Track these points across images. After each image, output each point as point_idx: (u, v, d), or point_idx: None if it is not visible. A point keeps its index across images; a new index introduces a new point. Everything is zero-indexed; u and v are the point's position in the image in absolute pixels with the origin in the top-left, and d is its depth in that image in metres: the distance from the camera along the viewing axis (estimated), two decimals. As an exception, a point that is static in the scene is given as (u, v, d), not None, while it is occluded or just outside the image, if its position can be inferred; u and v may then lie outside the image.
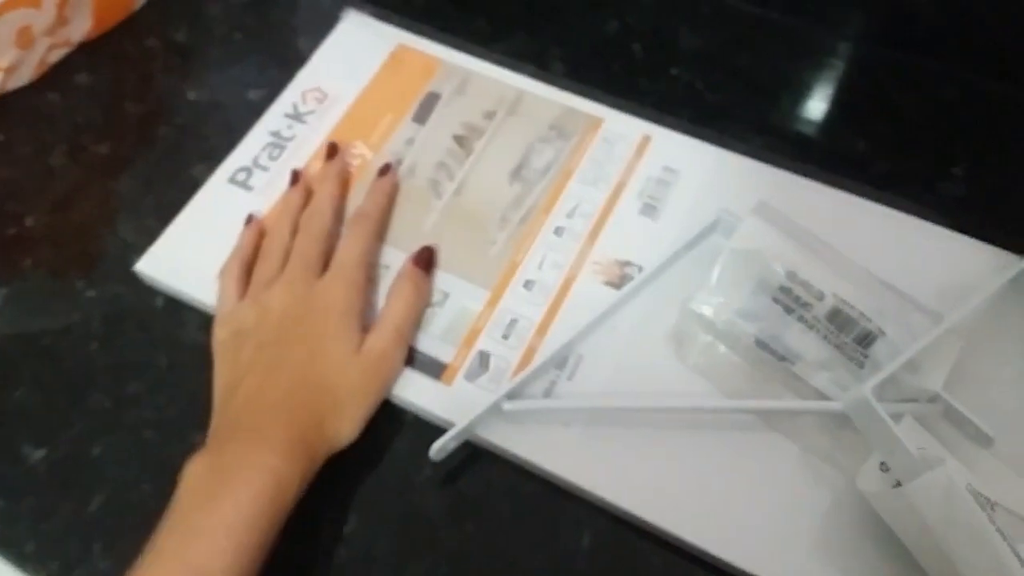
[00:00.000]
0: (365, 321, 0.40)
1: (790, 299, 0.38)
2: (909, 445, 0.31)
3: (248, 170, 0.47)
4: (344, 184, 0.46)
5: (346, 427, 0.37)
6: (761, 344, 0.38)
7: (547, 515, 0.38)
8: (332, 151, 0.46)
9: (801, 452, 0.37)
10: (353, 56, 0.51)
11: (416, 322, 0.41)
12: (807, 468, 0.37)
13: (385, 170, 0.45)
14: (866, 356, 0.36)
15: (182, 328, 0.44)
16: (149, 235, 0.45)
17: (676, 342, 0.40)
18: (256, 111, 0.50)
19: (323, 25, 0.53)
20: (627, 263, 0.43)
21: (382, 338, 0.39)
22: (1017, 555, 0.29)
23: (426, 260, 0.43)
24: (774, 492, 0.37)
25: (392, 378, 0.40)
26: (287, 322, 0.39)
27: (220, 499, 0.33)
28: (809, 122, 0.50)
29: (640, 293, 0.42)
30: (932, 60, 0.50)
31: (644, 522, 0.37)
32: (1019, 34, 0.48)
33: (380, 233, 0.44)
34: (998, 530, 0.29)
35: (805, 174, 0.45)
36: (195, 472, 0.34)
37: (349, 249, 0.42)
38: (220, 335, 0.40)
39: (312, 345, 0.38)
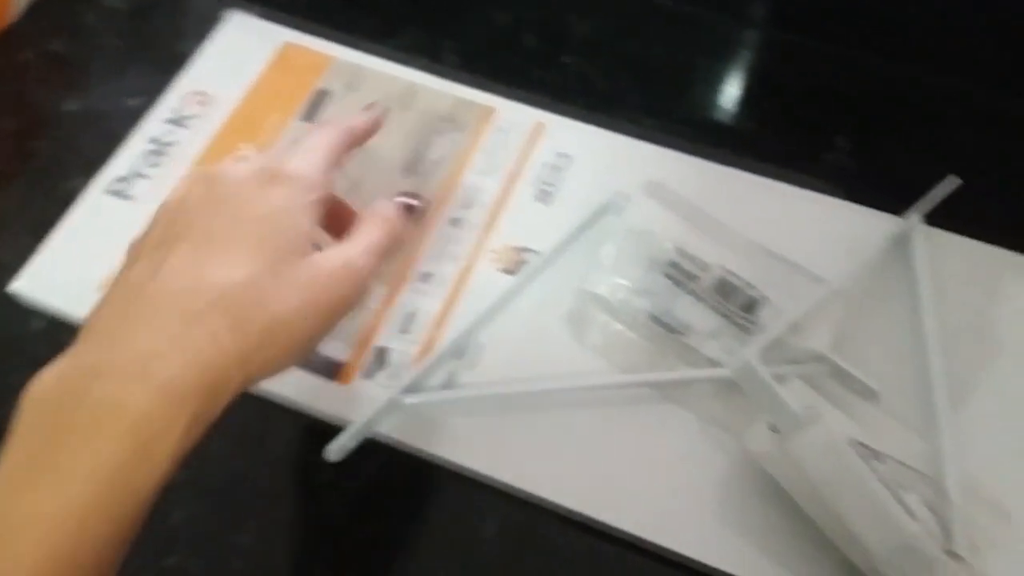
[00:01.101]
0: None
1: (679, 273, 0.38)
2: (793, 404, 0.31)
3: (127, 179, 0.45)
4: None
5: (273, 358, 0.28)
6: (654, 319, 0.38)
7: (452, 506, 0.38)
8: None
9: (698, 420, 0.37)
10: (237, 57, 0.50)
11: (382, 261, 0.33)
12: (705, 436, 0.37)
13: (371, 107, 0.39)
14: (753, 323, 0.37)
15: (60, 349, 0.41)
16: (27, 253, 0.43)
17: (573, 324, 0.40)
18: (137, 119, 0.48)
19: (206, 28, 0.52)
20: (524, 249, 0.43)
21: (347, 249, 0.31)
22: (901, 503, 0.30)
23: (411, 209, 0.36)
24: (674, 462, 0.37)
25: (343, 305, 0.30)
26: (215, 201, 0.30)
27: (49, 466, 0.23)
28: (699, 104, 0.50)
29: (538, 278, 0.42)
30: (813, 39, 0.51)
31: (549, 503, 0.36)
32: (889, 10, 0.49)
33: (349, 147, 0.36)
34: (880, 479, 0.30)
35: (695, 154, 0.46)
36: (32, 405, 0.25)
37: (318, 137, 0.34)
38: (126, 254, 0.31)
39: (244, 220, 0.29)
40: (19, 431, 0.24)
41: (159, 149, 0.46)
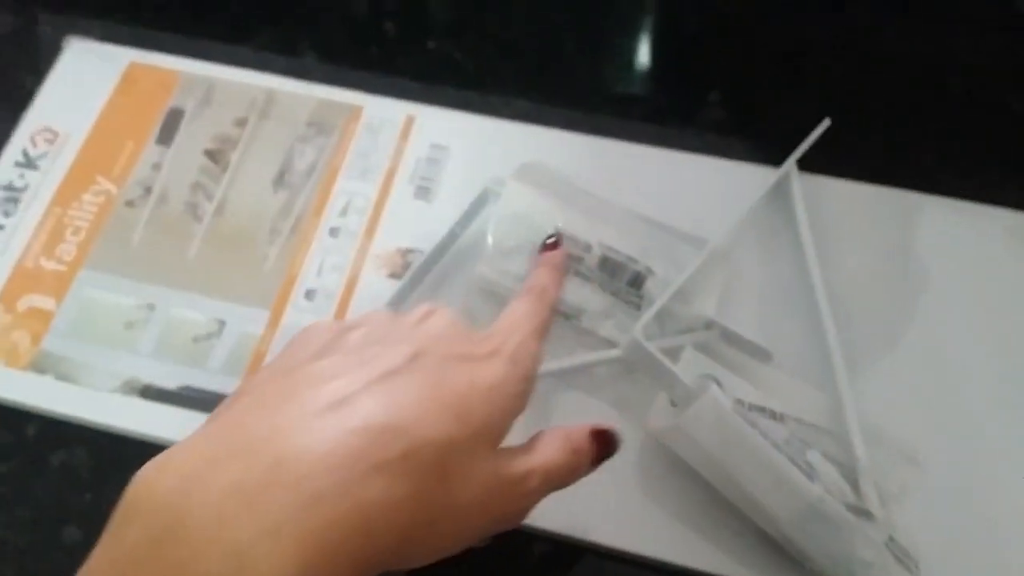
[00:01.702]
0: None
1: (562, 256, 0.37)
2: (684, 376, 0.31)
3: (-19, 232, 0.42)
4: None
5: (419, 549, 0.25)
6: (544, 306, 0.37)
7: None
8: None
9: (606, 405, 0.37)
10: (81, 86, 0.47)
11: (549, 492, 0.28)
12: (613, 418, 0.36)
13: (553, 245, 0.36)
14: (641, 297, 0.36)
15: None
16: None
17: (467, 319, 0.39)
18: (-14, 165, 0.45)
19: (51, 60, 0.48)
20: (409, 250, 0.42)
21: (529, 463, 0.27)
22: (799, 465, 0.30)
23: (604, 444, 0.30)
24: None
25: (504, 525, 0.28)
26: (447, 349, 0.26)
27: None
28: (567, 77, 0.49)
29: (428, 277, 0.41)
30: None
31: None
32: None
33: (552, 318, 0.32)
34: (775, 443, 0.30)
35: (570, 128, 0.45)
36: (140, 513, 0.21)
37: (519, 322, 0.30)
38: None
39: (460, 391, 0.25)
40: (119, 544, 0.21)
41: (11, 196, 0.43)
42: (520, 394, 0.27)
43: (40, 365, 0.39)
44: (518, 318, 0.30)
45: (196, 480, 0.21)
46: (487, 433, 0.25)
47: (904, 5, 0.49)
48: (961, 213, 0.41)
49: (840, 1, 0.49)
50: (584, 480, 0.35)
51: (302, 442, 0.22)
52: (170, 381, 0.38)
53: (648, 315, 0.33)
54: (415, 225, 0.42)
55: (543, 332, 0.30)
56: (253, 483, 0.21)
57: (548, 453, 0.28)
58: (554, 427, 0.29)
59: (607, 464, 0.35)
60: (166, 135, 0.45)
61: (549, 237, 0.36)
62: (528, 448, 0.28)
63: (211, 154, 0.45)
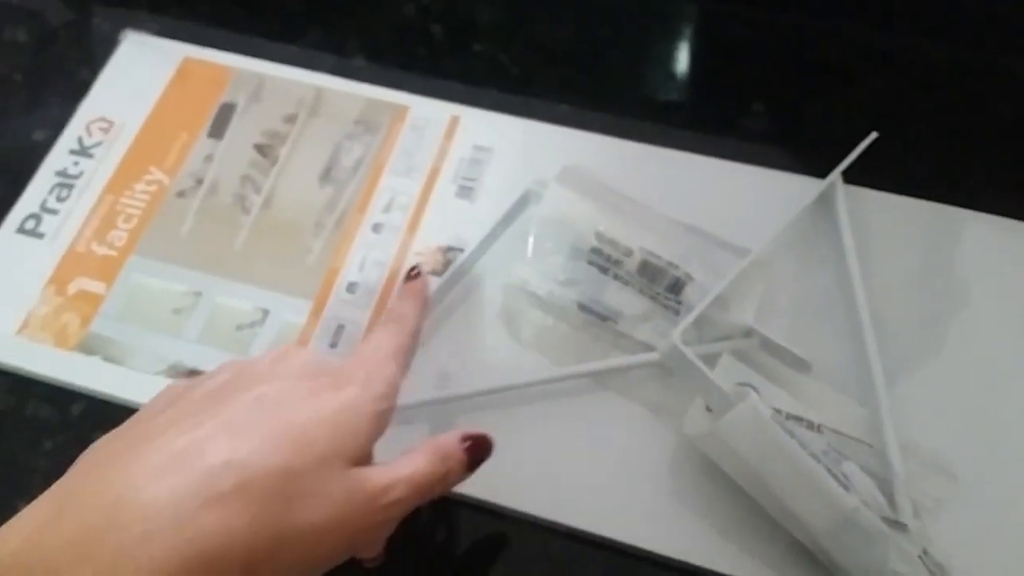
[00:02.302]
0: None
1: (602, 259, 0.38)
2: (721, 383, 0.31)
3: (37, 216, 0.44)
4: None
5: (279, 571, 0.25)
6: (584, 308, 0.38)
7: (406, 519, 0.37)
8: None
9: (640, 407, 0.37)
10: (136, 78, 0.48)
11: (421, 501, 0.29)
12: (649, 422, 0.37)
13: (413, 275, 0.37)
14: (680, 303, 0.36)
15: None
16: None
17: (506, 320, 0.40)
18: (42, 153, 0.46)
19: (103, 52, 0.50)
20: (449, 248, 0.42)
21: (393, 473, 0.28)
22: (836, 476, 0.30)
23: (476, 449, 0.31)
24: (621, 452, 0.37)
25: (376, 537, 0.29)
26: (287, 384, 0.27)
27: None
28: (611, 81, 0.50)
29: (467, 277, 0.41)
30: (717, 2, 0.51)
31: (496, 505, 0.36)
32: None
33: (413, 344, 0.34)
34: (813, 453, 0.30)
35: (612, 133, 0.45)
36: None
37: (376, 348, 0.31)
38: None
39: (304, 422, 0.26)
40: None
41: (66, 182, 0.45)
42: (374, 414, 0.28)
43: (88, 346, 0.40)
44: (375, 345, 0.31)
45: (37, 539, 0.23)
46: (335, 455, 0.26)
47: (952, 24, 0.49)
48: (1003, 230, 0.41)
49: (888, 16, 0.49)
50: (617, 481, 0.35)
51: (136, 488, 0.23)
52: (213, 366, 0.39)
53: (687, 321, 0.33)
54: (457, 224, 0.43)
55: (401, 356, 0.31)
56: (89, 533, 0.22)
57: (414, 463, 0.28)
58: (427, 439, 0.30)
59: (639, 466, 0.36)
60: (218, 129, 0.46)
61: (411, 269, 0.37)
62: (393, 461, 0.28)
63: (260, 148, 0.46)
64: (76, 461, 0.26)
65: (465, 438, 0.31)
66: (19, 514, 0.24)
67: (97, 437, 0.39)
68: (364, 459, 0.28)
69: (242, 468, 0.24)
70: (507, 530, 0.37)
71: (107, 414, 0.40)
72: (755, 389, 0.32)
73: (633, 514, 0.35)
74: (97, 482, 0.24)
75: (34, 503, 0.24)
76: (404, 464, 0.28)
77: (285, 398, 0.27)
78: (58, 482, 0.25)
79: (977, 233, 0.41)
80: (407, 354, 0.32)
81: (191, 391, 0.28)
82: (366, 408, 0.28)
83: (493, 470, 0.36)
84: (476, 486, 0.36)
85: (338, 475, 0.26)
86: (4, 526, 0.24)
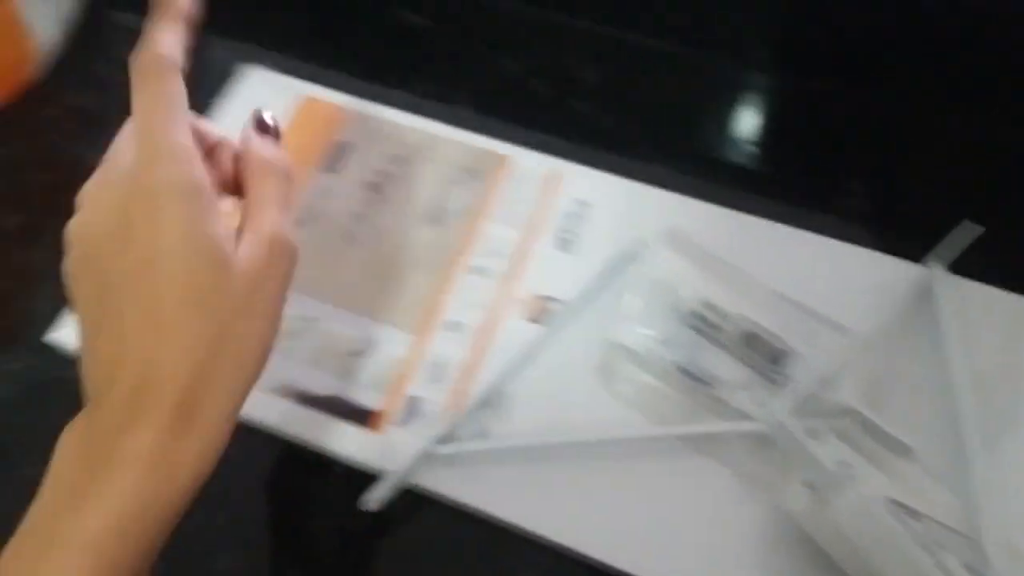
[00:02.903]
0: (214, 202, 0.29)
1: (703, 324, 0.39)
2: (827, 462, 0.32)
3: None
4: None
5: (251, 365, 0.29)
6: (682, 370, 0.39)
7: (486, 556, 0.38)
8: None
9: (731, 474, 0.38)
10: (259, 110, 0.51)
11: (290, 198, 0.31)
12: (738, 489, 0.37)
13: None
14: (780, 374, 0.38)
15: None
16: (63, 305, 0.44)
17: (603, 374, 0.41)
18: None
19: (225, 82, 0.53)
20: (549, 298, 0.44)
21: (263, 225, 0.30)
22: (941, 566, 0.30)
23: (266, 125, 0.34)
24: (707, 516, 0.37)
25: (286, 276, 0.31)
26: (112, 237, 0.29)
27: (84, 498, 0.26)
28: (712, 151, 0.51)
29: (565, 328, 0.43)
30: (822, 81, 0.53)
31: (583, 556, 0.37)
32: (901, 51, 0.51)
33: (184, 35, 0.33)
34: (921, 544, 0.30)
35: (711, 199, 0.47)
36: (64, 451, 0.27)
37: (144, 103, 0.31)
38: (64, 268, 0.31)
39: (160, 267, 0.28)
40: (56, 467, 0.28)
41: (186, 203, 0.47)
42: (203, 215, 0.29)
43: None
44: (144, 98, 0.32)
45: None
46: (212, 280, 0.28)
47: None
48: None
49: (992, 105, 0.50)
50: (702, 544, 0.36)
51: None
52: (322, 389, 0.41)
53: (796, 396, 0.34)
54: (556, 275, 0.45)
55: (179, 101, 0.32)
56: None
57: (267, 196, 0.32)
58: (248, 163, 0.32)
59: (726, 533, 0.36)
60: (333, 164, 0.49)
61: None
62: (251, 207, 0.31)
63: (371, 186, 0.48)
64: None
65: (252, 127, 0.34)
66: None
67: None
68: (215, 222, 0.29)
69: (172, 370, 0.28)
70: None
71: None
72: (857, 471, 0.33)
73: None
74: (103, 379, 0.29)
75: None
76: (264, 206, 0.31)
77: (145, 251, 0.28)
78: None
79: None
80: (182, 98, 0.32)
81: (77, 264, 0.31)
82: (194, 221, 0.28)
83: (580, 519, 0.37)
84: (558, 532, 0.37)
85: (232, 279, 0.29)
86: None
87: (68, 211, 0.47)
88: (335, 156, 0.49)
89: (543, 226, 0.46)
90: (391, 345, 0.42)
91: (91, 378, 0.29)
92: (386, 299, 0.44)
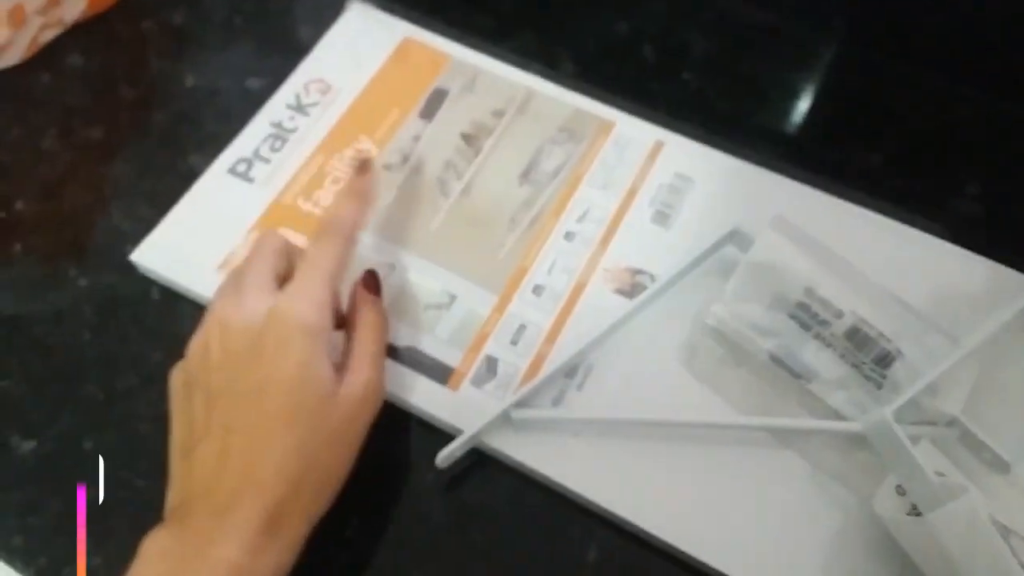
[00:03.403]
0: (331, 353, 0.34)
1: (808, 315, 0.37)
2: (928, 471, 0.30)
3: (249, 161, 0.46)
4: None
5: (329, 489, 0.33)
6: (776, 360, 0.37)
7: (553, 526, 0.37)
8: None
9: (813, 471, 0.36)
10: (358, 48, 0.50)
11: (385, 350, 0.37)
12: (819, 487, 0.36)
13: (364, 167, 0.39)
14: (884, 377, 0.36)
15: (177, 321, 0.42)
16: (144, 224, 0.44)
17: (688, 354, 0.40)
18: (255, 100, 0.48)
19: (326, 14, 0.52)
20: (639, 271, 0.42)
21: (362, 372, 0.34)
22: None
23: (375, 285, 0.38)
24: (784, 510, 0.36)
25: (372, 417, 0.35)
26: (235, 359, 0.33)
27: None
28: (822, 135, 0.49)
29: (654, 303, 0.41)
30: (943, 77, 0.50)
31: (651, 536, 0.36)
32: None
33: (351, 245, 0.37)
34: (1021, 563, 0.29)
35: (818, 186, 0.45)
36: (150, 556, 0.30)
37: (313, 261, 0.35)
38: (173, 379, 0.35)
39: (274, 391, 0.32)
40: (140, 571, 0.30)
41: (280, 134, 0.47)
42: (319, 352, 0.33)
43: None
44: (313, 263, 0.35)
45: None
46: (315, 407, 0.33)
47: None
48: None
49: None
50: (778, 539, 0.35)
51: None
52: (399, 340, 0.40)
53: (902, 400, 0.32)
54: (648, 248, 0.43)
55: (336, 278, 0.35)
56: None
57: (366, 347, 0.36)
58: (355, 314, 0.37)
59: (804, 530, 0.35)
60: (429, 111, 0.47)
61: (363, 160, 0.39)
62: (352, 355, 0.35)
63: (467, 137, 0.47)
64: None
65: (360, 284, 0.38)
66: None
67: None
68: (328, 362, 0.33)
69: (266, 474, 0.31)
70: (650, 559, 0.36)
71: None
72: (954, 482, 0.31)
73: (786, 574, 0.35)
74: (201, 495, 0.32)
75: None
76: (360, 352, 0.35)
77: (262, 374, 0.32)
78: None
79: None
80: (343, 270, 0.36)
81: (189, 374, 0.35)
82: (311, 355, 0.33)
83: (651, 499, 0.36)
84: (629, 510, 0.36)
85: (329, 413, 0.33)
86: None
87: (151, 129, 0.48)
88: (433, 102, 0.48)
89: (640, 197, 0.45)
90: (473, 302, 0.41)
91: (182, 486, 0.32)
92: (472, 255, 0.43)
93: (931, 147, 0.48)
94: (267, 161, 0.46)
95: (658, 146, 0.46)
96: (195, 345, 0.34)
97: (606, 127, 0.47)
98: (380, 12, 0.51)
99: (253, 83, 0.50)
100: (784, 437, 0.37)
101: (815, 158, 0.47)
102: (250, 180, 0.45)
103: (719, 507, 0.36)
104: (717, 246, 0.41)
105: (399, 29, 0.51)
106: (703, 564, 0.35)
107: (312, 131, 0.47)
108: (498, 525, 0.37)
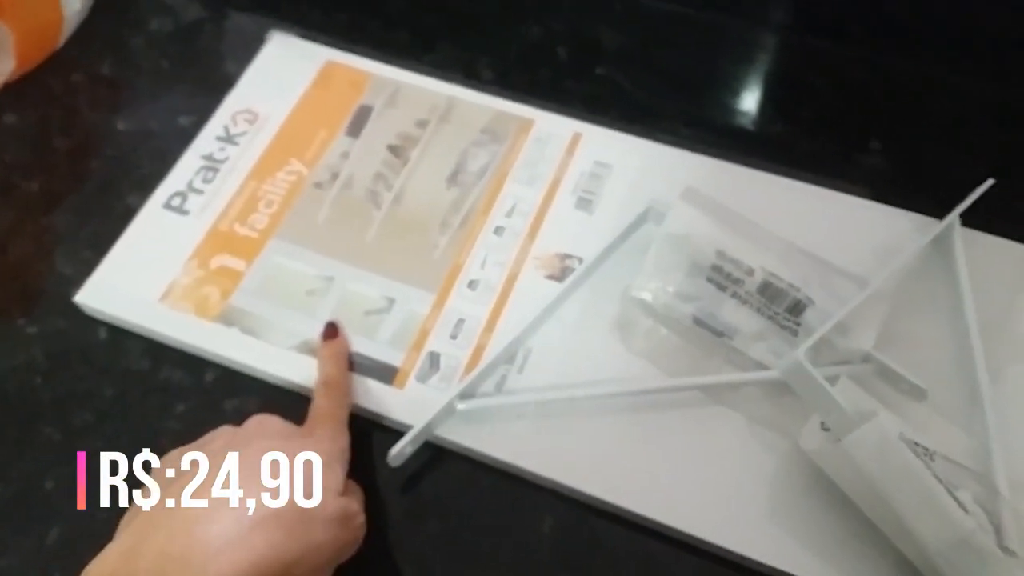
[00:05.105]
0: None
1: (722, 277, 0.39)
2: (844, 402, 0.32)
3: (183, 194, 0.47)
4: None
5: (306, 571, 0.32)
6: (699, 322, 0.39)
7: (508, 506, 0.39)
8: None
9: (747, 421, 0.38)
10: (282, 75, 0.51)
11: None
12: (753, 436, 0.38)
13: (331, 333, 0.41)
14: (799, 324, 0.38)
15: (126, 356, 0.43)
16: (87, 267, 0.45)
17: (620, 329, 0.41)
18: (188, 137, 0.50)
19: (250, 49, 0.53)
20: (567, 256, 0.44)
21: (353, 499, 0.35)
22: (956, 499, 0.31)
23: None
24: (724, 462, 0.38)
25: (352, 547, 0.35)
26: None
27: None
28: (731, 111, 0.52)
29: (582, 284, 0.43)
30: (840, 42, 0.53)
31: (601, 501, 0.38)
32: (915, 11, 0.51)
33: (349, 399, 0.40)
34: (935, 475, 0.31)
35: (731, 160, 0.47)
36: None
37: (330, 412, 0.38)
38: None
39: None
40: None
41: (212, 165, 0.48)
42: (335, 476, 0.34)
43: (227, 318, 0.43)
44: (322, 414, 0.37)
45: (124, 564, 0.30)
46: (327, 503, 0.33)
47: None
48: None
49: (1005, 71, 0.50)
50: (719, 489, 0.37)
51: (197, 529, 0.30)
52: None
53: (811, 340, 0.34)
54: (575, 233, 0.45)
55: (345, 424, 0.37)
56: (167, 560, 0.30)
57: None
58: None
59: (743, 478, 0.37)
60: (355, 128, 0.49)
61: (328, 326, 0.42)
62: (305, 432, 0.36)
63: (393, 149, 0.48)
64: (121, 524, 0.34)
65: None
66: (100, 554, 0.31)
67: (227, 404, 0.42)
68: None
69: (263, 505, 0.31)
70: (603, 525, 0.38)
71: (238, 383, 0.42)
72: (870, 411, 0.33)
73: (733, 522, 0.36)
74: (161, 530, 0.31)
75: (108, 547, 0.31)
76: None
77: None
78: (121, 534, 0.33)
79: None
80: (346, 417, 0.38)
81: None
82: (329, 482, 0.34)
83: (600, 467, 0.38)
84: (579, 480, 0.37)
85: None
86: (90, 564, 0.31)
87: (88, 176, 0.49)
88: (358, 119, 0.50)
89: (563, 186, 0.47)
90: (412, 303, 0.43)
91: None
92: (407, 259, 0.44)
93: (835, 111, 0.51)
94: (201, 192, 0.47)
95: (576, 138, 0.48)
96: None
97: (526, 126, 0.49)
98: (301, 40, 0.53)
99: (184, 121, 0.51)
100: (714, 393, 0.39)
101: (727, 134, 0.49)
102: (185, 212, 0.46)
103: (662, 467, 0.38)
104: (635, 224, 0.43)
105: (320, 54, 0.52)
106: (652, 521, 0.37)
107: (243, 159, 0.48)
108: (455, 513, 0.39)
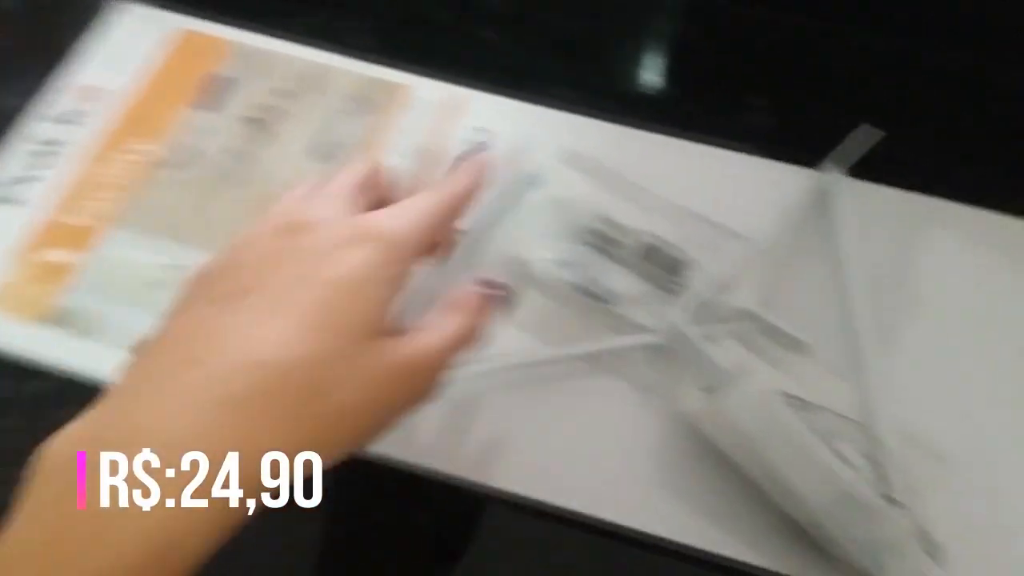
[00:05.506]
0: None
1: (602, 241, 0.37)
2: (722, 361, 0.31)
3: (21, 182, 0.42)
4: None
5: (335, 448, 0.24)
6: (579, 289, 0.37)
7: (390, 500, 0.36)
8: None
9: (632, 388, 0.37)
10: (131, 47, 0.47)
11: (456, 357, 0.28)
12: (641, 403, 0.36)
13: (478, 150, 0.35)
14: (680, 285, 0.36)
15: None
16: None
17: (504, 302, 0.39)
18: (17, 120, 0.45)
19: (94, 19, 0.49)
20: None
21: (423, 340, 0.27)
22: (836, 452, 0.29)
23: (495, 292, 0.31)
24: (611, 433, 0.36)
25: (418, 402, 0.27)
26: (278, 256, 0.26)
27: (58, 561, 0.20)
28: (616, 73, 0.50)
29: (468, 259, 0.40)
30: (723, 1, 0.51)
31: (490, 488, 0.35)
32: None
33: (453, 213, 0.31)
34: (813, 430, 0.29)
35: (616, 121, 0.45)
36: (44, 479, 0.22)
37: (423, 199, 0.29)
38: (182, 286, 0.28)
39: (317, 283, 0.25)
40: (27, 509, 0.22)
41: (48, 149, 0.43)
42: (391, 278, 0.26)
43: (56, 319, 0.39)
44: (408, 205, 0.28)
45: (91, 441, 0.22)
46: (359, 331, 0.25)
47: (949, 31, 0.49)
48: (988, 222, 0.41)
49: (890, 24, 0.49)
50: (606, 462, 0.35)
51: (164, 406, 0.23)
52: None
53: (689, 301, 0.33)
54: (456, 205, 0.42)
55: (426, 223, 0.28)
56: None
57: (441, 327, 0.27)
58: (443, 299, 0.29)
59: (628, 448, 0.35)
60: (212, 101, 0.45)
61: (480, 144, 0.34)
62: (419, 329, 0.27)
63: (255, 122, 0.45)
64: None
65: (483, 284, 0.30)
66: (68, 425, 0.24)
67: (59, 416, 0.38)
68: (387, 325, 0.26)
69: (260, 366, 0.23)
70: (492, 511, 0.36)
71: (70, 392, 0.38)
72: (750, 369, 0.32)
73: (620, 495, 0.35)
74: (129, 409, 0.24)
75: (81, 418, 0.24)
76: (435, 330, 0.27)
77: (318, 256, 0.26)
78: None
79: (963, 223, 0.41)
80: (435, 224, 0.29)
81: (237, 253, 0.27)
82: (384, 273, 0.26)
83: (480, 450, 0.35)
84: (461, 465, 0.35)
85: (367, 350, 0.25)
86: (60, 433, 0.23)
87: None
88: (214, 92, 0.45)
89: (442, 155, 0.44)
90: (277, 286, 0.39)
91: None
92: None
93: (717, 69, 0.49)
94: (40, 180, 0.43)
95: (456, 105, 0.46)
96: (222, 252, 0.27)
97: (400, 92, 0.46)
98: (151, 8, 0.49)
99: (11, 102, 0.46)
100: (600, 361, 0.37)
101: (609, 95, 0.47)
102: (21, 203, 0.42)
103: (550, 443, 0.36)
104: (517, 191, 0.40)
105: (174, 23, 0.48)
106: (541, 503, 0.35)
107: (81, 141, 0.44)
108: (333, 512, 0.36)
